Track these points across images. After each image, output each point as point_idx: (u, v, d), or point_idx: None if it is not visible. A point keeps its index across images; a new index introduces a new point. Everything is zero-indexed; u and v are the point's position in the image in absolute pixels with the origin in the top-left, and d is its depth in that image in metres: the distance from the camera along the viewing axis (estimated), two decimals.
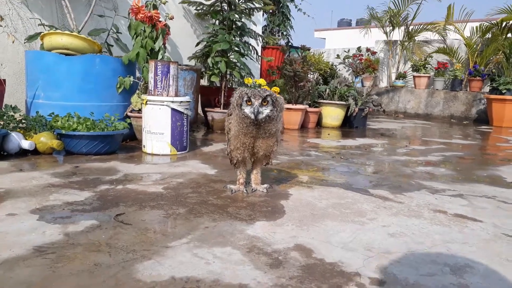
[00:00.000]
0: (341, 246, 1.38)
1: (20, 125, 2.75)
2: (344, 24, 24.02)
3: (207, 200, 1.84)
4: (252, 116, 1.72)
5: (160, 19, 3.31)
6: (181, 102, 2.90)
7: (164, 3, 3.47)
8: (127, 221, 1.52)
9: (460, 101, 8.20)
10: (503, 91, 6.89)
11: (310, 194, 2.02)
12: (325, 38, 23.63)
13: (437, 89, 8.66)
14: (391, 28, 9.31)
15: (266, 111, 1.74)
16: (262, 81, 4.15)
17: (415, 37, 9.15)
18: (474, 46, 8.34)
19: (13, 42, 3.18)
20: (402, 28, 9.26)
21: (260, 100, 1.72)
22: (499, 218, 1.78)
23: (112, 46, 3.75)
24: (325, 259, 1.27)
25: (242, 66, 4.36)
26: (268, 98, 1.74)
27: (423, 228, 1.60)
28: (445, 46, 8.80)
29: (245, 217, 1.63)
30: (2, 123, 2.64)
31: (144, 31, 3.23)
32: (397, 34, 9.48)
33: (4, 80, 2.99)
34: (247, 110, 1.74)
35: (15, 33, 3.49)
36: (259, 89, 1.75)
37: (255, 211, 1.72)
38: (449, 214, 1.80)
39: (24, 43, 3.48)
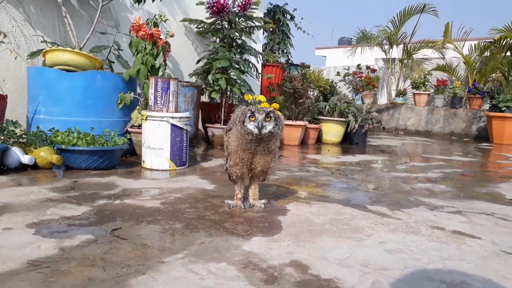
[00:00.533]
0: (337, 262, 1.37)
1: (21, 140, 2.76)
2: (344, 42, 24.27)
3: (204, 216, 1.84)
4: (256, 131, 1.73)
5: (161, 37, 3.36)
6: (181, 117, 2.92)
7: (165, 21, 3.52)
8: (123, 236, 1.52)
9: (460, 118, 8.22)
10: (503, 109, 6.92)
11: (308, 210, 2.02)
12: (325, 56, 23.85)
13: (437, 106, 8.69)
14: (389, 46, 9.41)
15: (269, 126, 1.76)
16: (262, 98, 4.18)
17: (414, 55, 9.23)
18: (473, 64, 8.41)
19: (15, 58, 3.22)
20: (401, 46, 9.36)
21: (264, 115, 1.74)
22: (497, 235, 1.77)
23: (114, 62, 3.79)
24: (320, 275, 1.27)
25: (242, 83, 4.39)
26: (271, 114, 1.77)
27: (420, 244, 1.59)
28: (444, 64, 8.87)
29: (242, 233, 1.63)
30: (2, 138, 2.66)
31: (145, 48, 3.28)
32: (396, 52, 9.58)
33: (6, 96, 3.02)
34: (250, 125, 1.75)
35: (18, 50, 3.54)
36: (261, 106, 1.80)
37: (252, 227, 1.71)
38: (447, 231, 1.79)
39: (27, 59, 3.52)
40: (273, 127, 1.77)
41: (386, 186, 2.79)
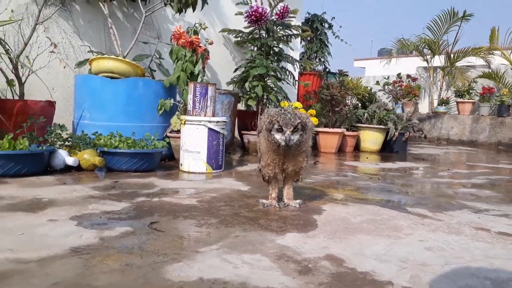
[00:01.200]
0: (374, 257, 1.34)
1: (66, 143, 2.90)
2: (384, 53, 23.84)
3: (239, 213, 1.85)
4: (283, 143, 1.73)
5: (200, 44, 3.44)
6: (218, 122, 2.96)
7: (204, 29, 3.61)
8: (160, 229, 1.55)
9: (508, 127, 7.85)
10: None
11: (344, 211, 1.98)
12: (364, 67, 23.56)
13: (482, 115, 8.35)
14: (431, 55, 9.17)
15: (296, 137, 1.75)
16: (298, 104, 4.17)
17: (457, 63, 8.95)
18: None
19: (64, 67, 3.39)
20: (443, 53, 9.10)
21: (291, 129, 1.72)
22: None
23: (155, 71, 3.92)
24: (356, 268, 1.24)
25: (278, 90, 4.41)
26: (299, 126, 1.74)
27: (463, 244, 1.53)
28: (490, 71, 8.53)
29: (276, 229, 1.62)
30: (50, 140, 2.80)
31: (185, 55, 3.37)
32: (438, 60, 9.32)
33: (54, 102, 3.18)
34: (278, 136, 1.74)
35: (67, 60, 3.74)
36: (289, 115, 1.73)
37: (287, 224, 1.70)
38: (493, 232, 1.71)
39: (74, 68, 3.71)
40: (301, 135, 1.76)
41: (427, 190, 2.70)
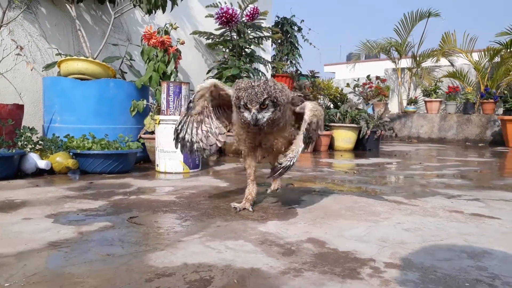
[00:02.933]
0: (354, 239, 1.36)
1: (37, 146, 2.81)
2: (352, 57, 24.36)
3: (220, 206, 1.84)
4: (252, 123, 1.51)
5: (171, 44, 3.42)
6: None
7: (175, 29, 3.60)
8: (140, 222, 1.53)
9: (474, 124, 8.15)
10: None
11: (324, 200, 2.01)
12: (334, 72, 23.93)
13: (449, 113, 8.63)
14: (398, 56, 9.44)
15: (266, 114, 1.52)
16: None
17: (423, 63, 9.24)
18: (483, 70, 8.37)
19: (31, 70, 3.30)
20: (410, 55, 9.38)
21: (257, 106, 1.49)
22: None
23: (126, 73, 3.87)
24: (338, 248, 1.26)
25: None
26: (267, 101, 1.49)
27: (438, 224, 1.57)
28: (455, 71, 8.85)
29: (257, 218, 1.63)
30: (20, 144, 2.71)
31: (157, 55, 3.34)
32: (406, 62, 9.60)
33: (23, 106, 3.08)
34: (246, 114, 1.53)
35: (34, 64, 3.63)
36: (256, 88, 1.48)
37: (268, 213, 1.71)
38: (466, 214, 1.77)
39: (42, 71, 3.62)
40: (273, 112, 1.52)
41: (401, 181, 2.77)
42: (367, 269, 1.08)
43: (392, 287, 0.96)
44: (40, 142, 2.81)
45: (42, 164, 2.60)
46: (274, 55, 7.28)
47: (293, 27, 7.34)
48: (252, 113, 1.50)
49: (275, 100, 1.50)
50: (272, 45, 6.79)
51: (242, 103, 1.51)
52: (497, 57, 8.26)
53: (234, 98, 1.55)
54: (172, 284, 0.96)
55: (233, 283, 0.97)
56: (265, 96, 1.48)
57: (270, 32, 5.10)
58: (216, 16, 4.23)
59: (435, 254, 1.21)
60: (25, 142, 2.71)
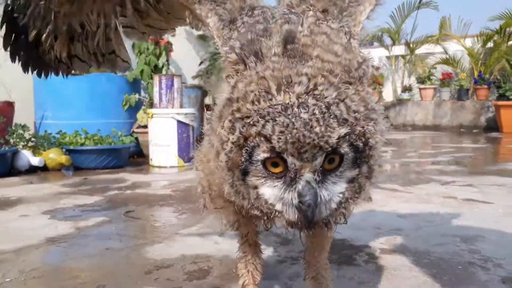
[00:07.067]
0: (350, 227, 1.37)
1: (29, 143, 2.80)
2: None
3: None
4: (303, 220, 0.56)
5: (162, 37, 3.40)
6: (186, 113, 2.94)
7: None
8: (137, 216, 1.54)
9: (468, 110, 8.18)
10: (511, 97, 6.87)
11: None
12: None
13: (444, 100, 8.66)
14: (392, 43, 9.43)
15: (339, 188, 0.59)
16: None
17: (416, 50, 9.24)
18: (477, 56, 8.38)
19: None
20: (403, 42, 9.38)
21: (316, 163, 0.56)
22: (510, 201, 1.76)
23: None
24: (334, 236, 1.27)
25: None
26: (341, 148, 0.56)
27: (433, 210, 1.59)
28: (448, 57, 8.85)
29: None
30: (12, 141, 2.69)
31: (147, 48, 3.33)
32: (399, 49, 9.59)
33: (13, 103, 3.06)
34: (269, 191, 0.58)
35: None
36: (307, 116, 0.54)
37: None
38: (459, 199, 1.78)
39: None
40: (356, 179, 0.59)
41: (396, 169, 2.79)
42: (363, 255, 1.09)
43: (388, 272, 0.97)
44: (33, 139, 2.80)
45: (36, 161, 2.59)
46: None
47: None
48: (301, 184, 0.56)
49: (363, 137, 0.57)
50: None
51: (264, 148, 0.56)
52: (490, 43, 8.27)
53: (240, 127, 0.57)
54: (172, 275, 0.97)
55: (232, 273, 0.98)
56: (341, 130, 0.55)
57: None
58: None
59: (429, 240, 1.22)
60: (18, 140, 2.70)
